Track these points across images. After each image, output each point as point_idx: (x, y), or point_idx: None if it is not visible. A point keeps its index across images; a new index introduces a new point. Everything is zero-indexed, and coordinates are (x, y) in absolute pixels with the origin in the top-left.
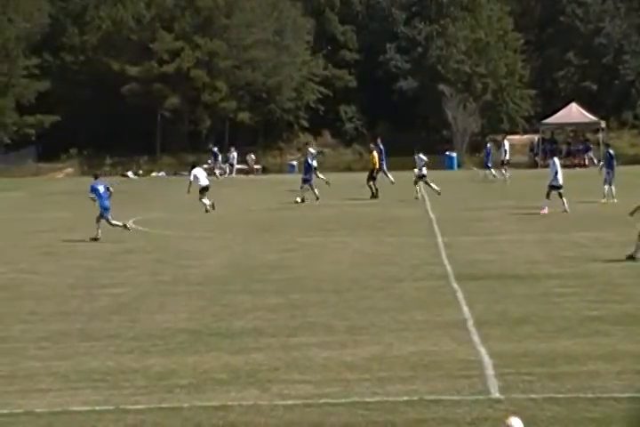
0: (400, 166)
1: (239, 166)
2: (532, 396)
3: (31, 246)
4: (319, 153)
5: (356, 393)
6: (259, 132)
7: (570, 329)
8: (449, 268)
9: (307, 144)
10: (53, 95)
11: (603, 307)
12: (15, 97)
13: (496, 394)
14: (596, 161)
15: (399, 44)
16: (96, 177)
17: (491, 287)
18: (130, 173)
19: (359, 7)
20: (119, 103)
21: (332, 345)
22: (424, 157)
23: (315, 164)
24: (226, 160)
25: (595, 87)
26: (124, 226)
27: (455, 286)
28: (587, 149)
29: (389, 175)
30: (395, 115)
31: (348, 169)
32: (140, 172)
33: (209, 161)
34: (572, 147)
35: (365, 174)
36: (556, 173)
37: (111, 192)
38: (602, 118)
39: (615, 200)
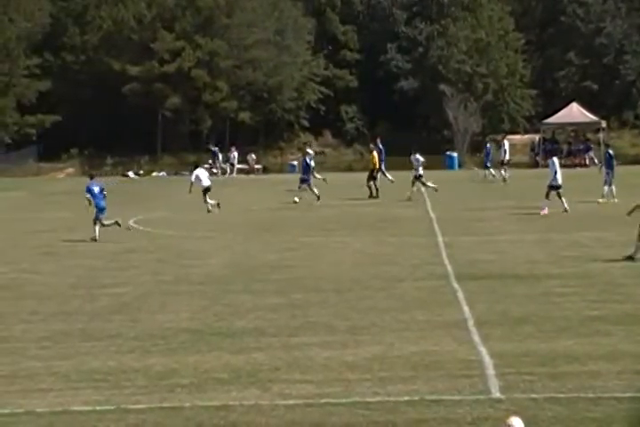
0: (400, 166)
1: (240, 166)
2: (533, 396)
3: (32, 246)
4: (318, 153)
5: (357, 393)
6: (259, 132)
7: (570, 329)
8: (449, 268)
9: (305, 144)
10: (54, 95)
11: (603, 307)
12: (16, 97)
13: (497, 394)
14: (596, 161)
15: (400, 44)
16: (92, 177)
17: (491, 287)
18: (131, 173)
19: (360, 7)
20: (120, 103)
21: (333, 345)
22: (420, 158)
23: (312, 164)
24: (226, 160)
25: (595, 87)
26: (116, 222)
27: (456, 285)
28: (587, 149)
29: (388, 175)
30: (395, 115)
31: (349, 169)
32: (141, 172)
33: (209, 161)
34: (573, 147)
35: (366, 174)
36: (556, 172)
37: (104, 194)
38: (602, 118)
39: (616, 200)
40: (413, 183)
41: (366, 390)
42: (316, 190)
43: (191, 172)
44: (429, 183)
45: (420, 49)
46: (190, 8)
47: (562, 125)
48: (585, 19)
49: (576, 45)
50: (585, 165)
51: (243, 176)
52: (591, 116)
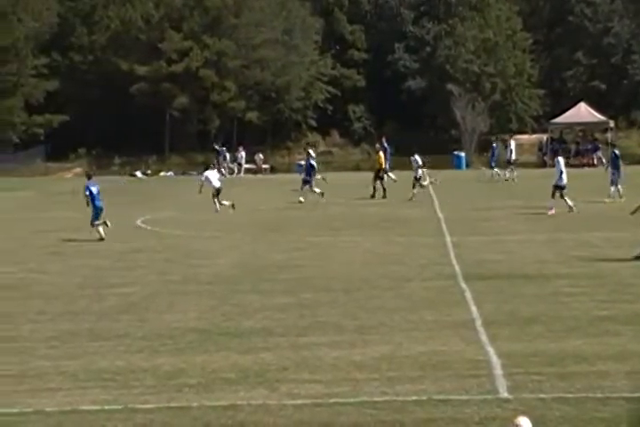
0: (408, 166)
1: (247, 166)
2: (541, 396)
3: (40, 246)
4: (321, 154)
5: (365, 393)
6: (267, 132)
7: (579, 329)
8: (457, 267)
9: (308, 144)
10: (62, 95)
11: (612, 307)
12: (24, 96)
13: (504, 394)
14: (604, 160)
15: (407, 43)
16: (89, 177)
17: (499, 287)
18: (138, 173)
19: (368, 7)
20: (128, 103)
21: (341, 345)
22: (419, 159)
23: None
24: (234, 160)
25: (603, 87)
26: (104, 223)
27: (464, 285)
28: (595, 149)
29: (391, 174)
30: (403, 114)
31: (357, 168)
32: (149, 171)
33: (214, 161)
34: (581, 146)
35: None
36: (561, 172)
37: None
38: (610, 118)
39: (622, 200)
40: (414, 185)
41: (374, 390)
42: (317, 189)
43: (199, 173)
44: (424, 182)
45: (428, 48)
46: (198, 8)
47: (570, 125)
48: (593, 18)
49: (584, 45)
50: (593, 165)
51: (250, 176)
52: (599, 116)
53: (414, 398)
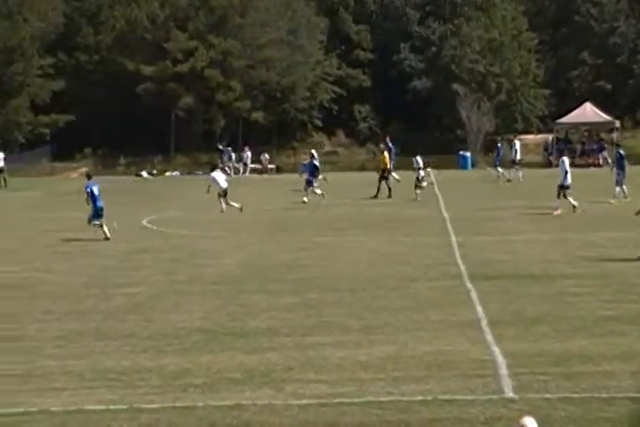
0: (413, 166)
1: (253, 166)
2: (547, 396)
3: (45, 245)
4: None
5: (370, 393)
6: (273, 132)
7: (585, 329)
8: (463, 267)
9: (316, 145)
10: (68, 95)
11: (618, 307)
12: (30, 96)
13: (510, 394)
14: (610, 161)
15: (413, 43)
16: (89, 177)
17: (504, 287)
18: (144, 173)
19: (373, 7)
20: (133, 103)
21: (346, 345)
22: (420, 161)
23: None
24: (240, 159)
25: (609, 87)
26: (100, 225)
27: (469, 285)
28: (601, 149)
29: (395, 174)
30: (408, 114)
31: (362, 168)
32: (155, 171)
33: (218, 160)
34: (587, 146)
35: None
36: (566, 172)
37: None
38: (616, 118)
39: (628, 200)
40: (416, 186)
41: (380, 390)
42: (318, 191)
43: (205, 173)
44: (421, 183)
45: (434, 48)
46: (203, 8)
47: (575, 125)
48: (598, 18)
49: (590, 45)
50: (599, 165)
51: (256, 176)
52: (605, 116)
53: (420, 398)
